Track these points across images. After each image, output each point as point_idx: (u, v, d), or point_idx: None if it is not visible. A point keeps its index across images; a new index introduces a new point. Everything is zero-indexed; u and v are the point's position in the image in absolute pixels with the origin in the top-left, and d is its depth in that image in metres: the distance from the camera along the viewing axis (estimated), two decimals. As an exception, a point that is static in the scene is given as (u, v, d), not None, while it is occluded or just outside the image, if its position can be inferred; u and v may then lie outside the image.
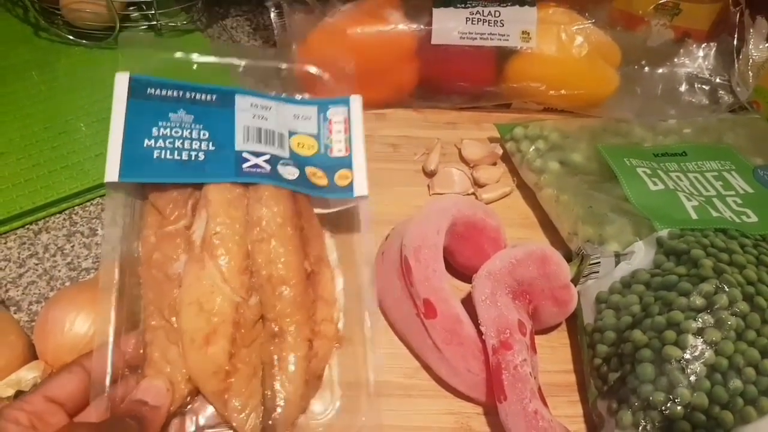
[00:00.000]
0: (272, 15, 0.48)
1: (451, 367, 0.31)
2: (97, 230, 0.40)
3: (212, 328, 0.27)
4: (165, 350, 0.28)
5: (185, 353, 0.27)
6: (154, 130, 0.30)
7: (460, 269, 0.37)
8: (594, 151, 0.39)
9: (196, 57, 0.35)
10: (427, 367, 0.33)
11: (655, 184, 0.35)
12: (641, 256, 0.32)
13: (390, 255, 0.34)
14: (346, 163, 0.33)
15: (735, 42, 0.49)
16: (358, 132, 0.34)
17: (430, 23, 0.45)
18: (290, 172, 0.32)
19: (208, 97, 0.32)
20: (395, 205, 0.41)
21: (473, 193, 0.42)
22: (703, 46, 0.51)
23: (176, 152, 0.30)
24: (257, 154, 0.31)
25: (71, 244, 0.39)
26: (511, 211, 0.41)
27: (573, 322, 0.35)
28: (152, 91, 0.31)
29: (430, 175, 0.43)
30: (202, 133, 0.31)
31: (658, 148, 0.39)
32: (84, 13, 0.51)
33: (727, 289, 0.28)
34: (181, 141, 0.30)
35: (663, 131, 0.42)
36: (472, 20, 0.44)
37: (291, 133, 0.34)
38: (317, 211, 0.34)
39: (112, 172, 0.29)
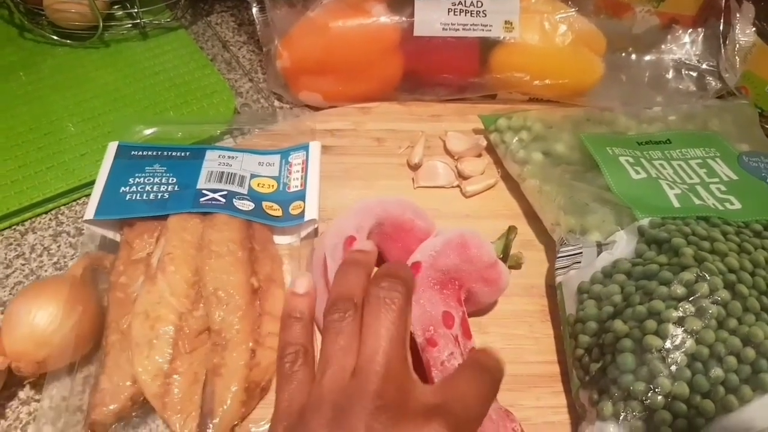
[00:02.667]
0: (254, 11, 0.48)
1: None
2: (83, 229, 0.40)
3: (155, 334, 0.30)
4: (117, 357, 0.30)
5: (132, 357, 0.30)
6: (131, 180, 0.37)
7: None
8: (577, 140, 0.39)
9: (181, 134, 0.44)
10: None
11: (637, 173, 0.35)
12: (623, 245, 0.32)
13: (317, 253, 0.34)
14: (300, 196, 0.38)
15: (722, 27, 0.49)
16: (314, 170, 0.40)
17: (412, 15, 0.45)
18: (245, 205, 0.36)
19: (182, 154, 0.40)
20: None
21: (458, 186, 0.42)
22: (690, 32, 0.51)
23: (145, 194, 0.36)
24: (216, 191, 0.37)
25: (57, 244, 0.39)
26: (496, 203, 0.41)
27: (556, 312, 0.35)
28: (135, 153, 0.39)
29: (414, 168, 0.43)
30: (170, 179, 0.37)
31: (642, 137, 0.39)
32: (67, 14, 0.51)
33: (708, 278, 0.28)
34: (150, 186, 0.37)
35: (647, 119, 0.41)
36: (455, 11, 0.44)
37: (253, 176, 0.39)
38: (284, 240, 0.37)
39: (89, 212, 0.35)
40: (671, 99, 0.48)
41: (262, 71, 0.53)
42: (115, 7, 0.54)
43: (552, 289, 0.36)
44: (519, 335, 0.34)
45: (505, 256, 0.34)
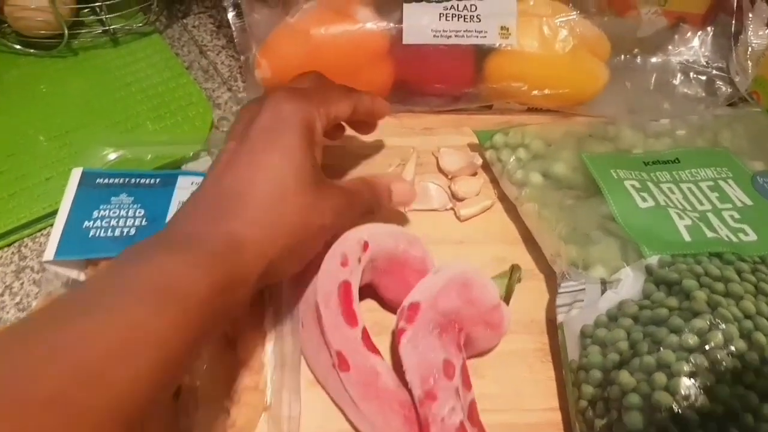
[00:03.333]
0: (230, 16, 0.45)
1: (369, 423, 0.28)
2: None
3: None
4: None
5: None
6: (95, 213, 0.35)
7: (387, 305, 0.34)
8: (579, 161, 0.36)
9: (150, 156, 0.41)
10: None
11: (644, 200, 0.32)
12: (629, 284, 0.29)
13: (309, 295, 0.31)
14: None
15: (733, 28, 0.46)
16: None
17: (400, 20, 0.41)
18: None
19: (151, 181, 0.37)
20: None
21: (452, 208, 0.39)
22: (699, 32, 0.48)
23: (110, 230, 0.34)
24: None
25: (20, 281, 0.37)
26: (493, 226, 0.39)
27: (558, 349, 0.32)
28: (101, 180, 0.36)
29: None
30: (138, 211, 0.35)
31: (649, 156, 0.36)
32: (30, 22, 0.47)
33: (722, 326, 0.26)
34: (116, 220, 0.34)
35: (654, 133, 0.38)
36: (446, 16, 0.41)
37: None
38: None
39: (49, 252, 0.32)
40: (679, 105, 0.45)
41: (241, 79, 0.50)
42: (85, 11, 0.51)
43: (553, 324, 0.33)
44: (517, 378, 0.32)
45: (507, 298, 0.31)
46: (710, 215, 0.32)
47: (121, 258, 0.23)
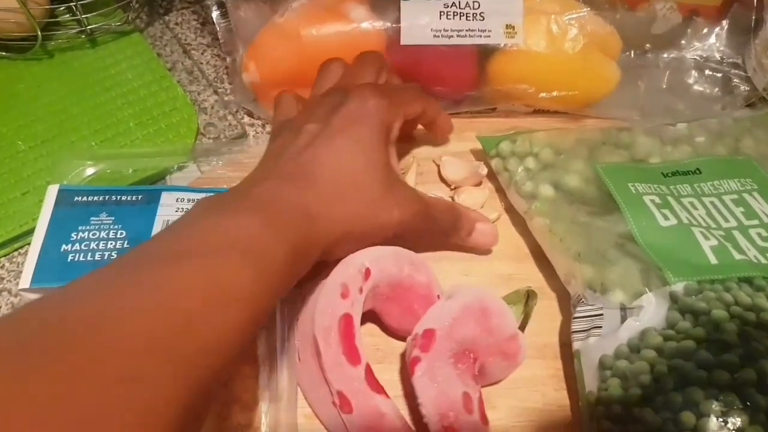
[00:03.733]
0: (214, 15, 0.42)
1: None
2: (26, 288, 0.35)
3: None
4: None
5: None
6: (73, 235, 0.32)
7: (390, 332, 0.32)
8: (593, 171, 0.34)
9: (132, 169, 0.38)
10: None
11: (665, 218, 0.30)
12: (651, 311, 0.27)
13: (305, 325, 0.29)
14: None
15: (753, 20, 0.43)
16: None
17: (398, 19, 0.38)
18: None
19: (134, 198, 0.34)
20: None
21: None
22: (714, 26, 0.45)
23: (90, 254, 0.32)
24: None
25: (-5, 308, 0.34)
26: (500, 241, 0.36)
27: (572, 376, 0.30)
28: (79, 198, 0.34)
29: None
30: (119, 232, 0.33)
31: (668, 166, 0.34)
32: (2, 23, 0.44)
33: (755, 361, 0.24)
34: (96, 242, 0.32)
35: (672, 140, 0.36)
36: (447, 14, 0.38)
37: None
38: None
39: (24, 280, 0.31)
40: (694, 105, 0.42)
41: (228, 80, 0.47)
42: (61, 9, 0.47)
43: (567, 349, 0.31)
44: (530, 408, 0.30)
45: (522, 326, 0.29)
46: (736, 233, 0.30)
47: (200, 210, 0.24)
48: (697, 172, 0.33)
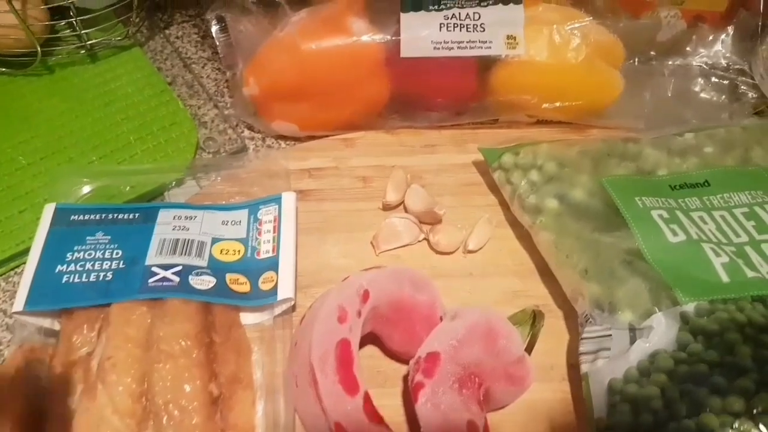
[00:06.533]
0: (213, 30, 0.41)
1: None
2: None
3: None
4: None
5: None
6: (69, 255, 0.32)
7: (391, 355, 0.31)
8: (598, 185, 0.33)
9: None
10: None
11: (674, 233, 0.29)
12: (661, 331, 0.26)
13: (301, 351, 0.28)
14: (272, 264, 0.32)
15: (760, 26, 0.42)
16: (288, 229, 0.34)
17: (398, 32, 0.38)
18: (204, 282, 0.31)
19: (131, 216, 0.34)
20: (361, 257, 0.35)
21: (425, 239, 0.36)
22: (719, 32, 0.44)
23: (85, 275, 0.31)
24: (167, 267, 0.31)
25: (-8, 329, 0.34)
26: (503, 256, 0.35)
27: (581, 399, 0.29)
28: (75, 217, 0.34)
29: (386, 208, 0.37)
30: (115, 252, 0.32)
31: (676, 178, 0.33)
32: (2, 39, 0.44)
33: (771, 385, 0.23)
34: (92, 263, 0.31)
35: (679, 150, 0.35)
36: (448, 26, 0.37)
37: (215, 240, 0.33)
38: (252, 318, 0.31)
39: (18, 302, 0.30)
40: (701, 113, 0.42)
41: (228, 94, 0.46)
42: (61, 24, 0.47)
43: (575, 370, 0.30)
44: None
45: (529, 348, 0.28)
46: (748, 249, 0.29)
47: None
48: (706, 184, 0.32)
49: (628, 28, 0.40)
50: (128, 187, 0.37)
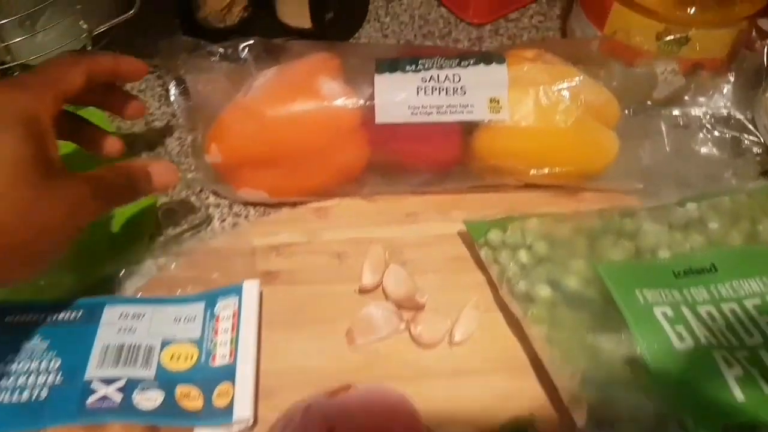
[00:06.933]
0: (172, 92, 0.38)
1: None
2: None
3: None
4: None
5: None
6: (1, 366, 0.28)
7: None
8: (594, 271, 0.30)
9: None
10: None
11: (680, 338, 0.26)
12: (671, 460, 0.23)
13: None
14: (229, 373, 0.29)
15: (765, 70, 0.40)
16: (248, 329, 0.30)
17: (373, 95, 0.35)
18: (150, 398, 0.28)
19: (73, 315, 0.31)
20: (334, 353, 0.31)
21: (407, 328, 0.32)
22: (721, 78, 0.41)
23: (17, 392, 0.28)
24: (110, 381, 0.28)
25: None
26: (492, 348, 0.32)
27: None
28: (11, 318, 0.31)
29: (363, 291, 0.34)
30: (53, 362, 0.29)
31: (679, 262, 0.30)
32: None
33: None
34: (26, 376, 0.28)
35: (680, 224, 0.32)
36: (425, 89, 0.34)
37: (165, 343, 0.30)
38: None
39: None
40: (702, 171, 0.38)
41: (193, 157, 0.43)
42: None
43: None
44: None
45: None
46: (763, 354, 0.26)
47: None
48: (713, 269, 0.29)
49: (622, 83, 0.37)
50: (71, 276, 0.34)
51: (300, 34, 0.46)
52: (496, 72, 0.34)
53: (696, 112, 0.40)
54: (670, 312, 0.27)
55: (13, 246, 0.24)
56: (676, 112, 0.40)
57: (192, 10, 0.45)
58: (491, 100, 0.34)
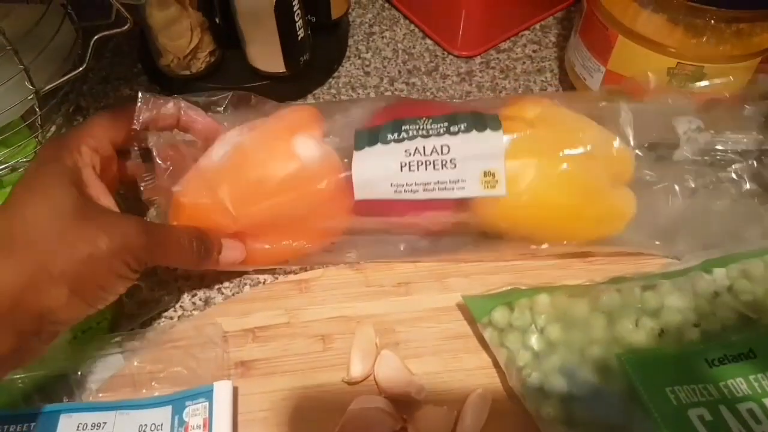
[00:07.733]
0: (131, 158, 0.34)
1: None
2: None
3: None
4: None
5: None
6: None
7: None
8: (615, 358, 0.26)
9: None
10: None
11: (724, 453, 0.22)
12: None
13: None
14: None
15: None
16: None
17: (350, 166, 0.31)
18: None
19: (24, 428, 0.28)
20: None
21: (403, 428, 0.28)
22: (735, 111, 0.37)
23: None
24: None
25: None
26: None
27: None
28: None
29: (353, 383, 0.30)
30: None
31: (712, 348, 0.26)
32: None
33: None
34: None
35: (709, 293, 0.28)
36: (410, 165, 0.30)
37: None
38: None
39: None
40: (725, 222, 0.34)
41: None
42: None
43: None
44: None
45: None
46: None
47: None
48: (751, 355, 0.26)
49: (636, 125, 0.33)
50: (19, 382, 0.29)
51: (273, 78, 0.42)
52: (491, 140, 0.30)
53: (714, 149, 0.37)
54: (707, 415, 0.23)
55: (58, 273, 0.25)
56: (688, 153, 0.37)
57: (153, 58, 0.41)
58: (485, 174, 0.30)
